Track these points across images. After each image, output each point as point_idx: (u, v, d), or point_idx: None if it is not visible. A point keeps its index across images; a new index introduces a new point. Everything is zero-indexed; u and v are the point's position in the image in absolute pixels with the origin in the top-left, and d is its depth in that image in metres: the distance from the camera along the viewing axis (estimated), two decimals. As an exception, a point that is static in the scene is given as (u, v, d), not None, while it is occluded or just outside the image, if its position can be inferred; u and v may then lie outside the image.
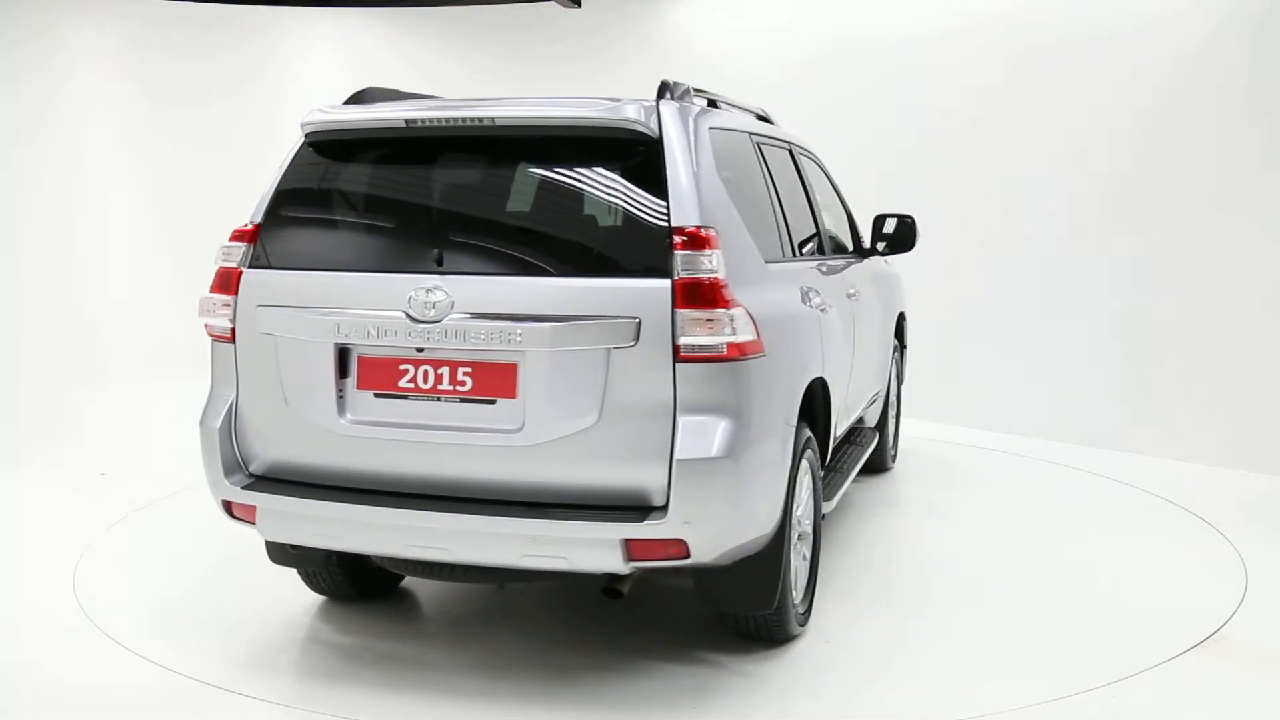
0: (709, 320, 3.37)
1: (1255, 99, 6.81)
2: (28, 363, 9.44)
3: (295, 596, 4.62)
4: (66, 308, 9.89)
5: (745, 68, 9.35)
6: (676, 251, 3.40)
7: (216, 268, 3.86)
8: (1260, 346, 6.81)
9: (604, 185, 3.65)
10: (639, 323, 3.37)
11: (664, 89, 3.78)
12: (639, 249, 3.49)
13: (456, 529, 3.51)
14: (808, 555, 4.26)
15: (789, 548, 3.88)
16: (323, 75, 10.37)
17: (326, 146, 3.93)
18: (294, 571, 4.43)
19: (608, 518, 3.40)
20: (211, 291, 3.86)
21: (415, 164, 3.88)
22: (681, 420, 3.39)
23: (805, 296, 4.26)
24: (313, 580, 4.47)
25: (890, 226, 5.74)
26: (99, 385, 9.30)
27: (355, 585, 4.47)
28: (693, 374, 3.38)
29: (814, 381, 4.20)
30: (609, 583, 3.75)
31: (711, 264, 3.40)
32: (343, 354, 3.65)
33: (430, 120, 3.71)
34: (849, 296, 5.09)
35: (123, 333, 9.89)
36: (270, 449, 3.81)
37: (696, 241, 3.41)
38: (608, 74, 10.10)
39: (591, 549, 3.42)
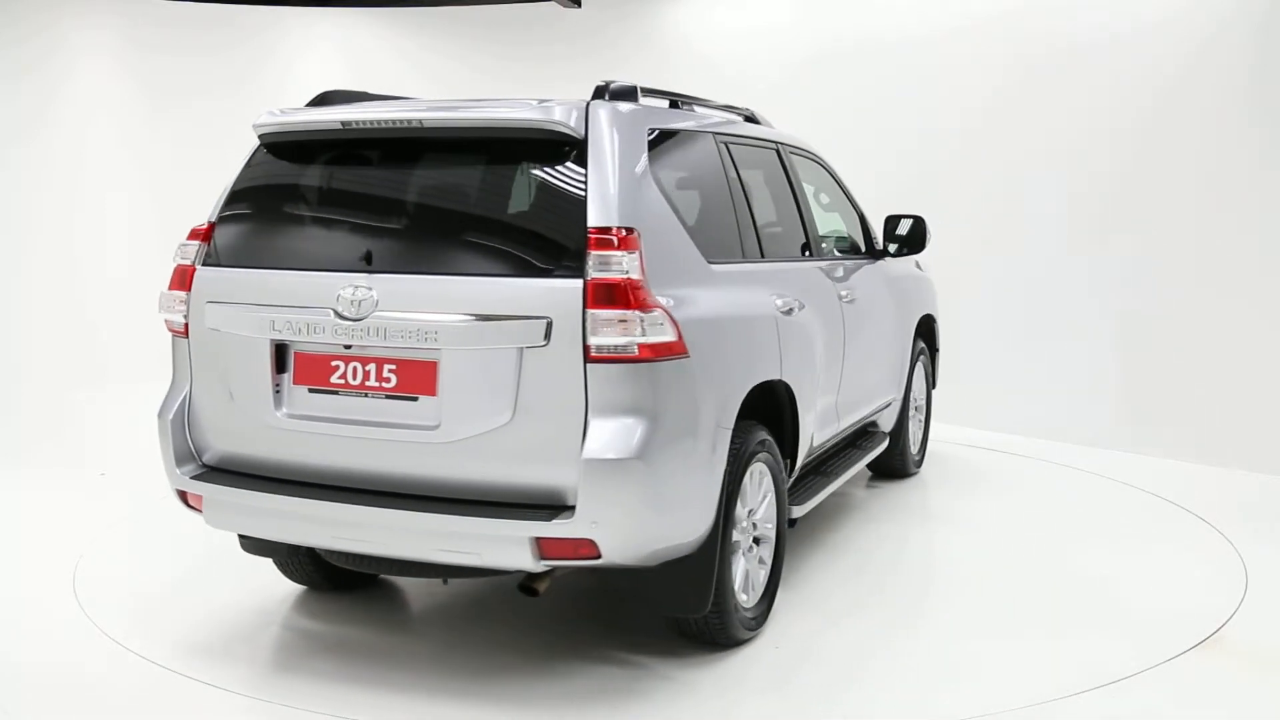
0: (621, 321, 3.37)
1: (1255, 100, 6.81)
2: (28, 363, 9.44)
3: (295, 596, 4.62)
4: (66, 308, 9.89)
5: (745, 68, 9.35)
6: (590, 252, 3.41)
7: (174, 265, 4.00)
8: (1260, 346, 6.81)
9: (527, 186, 3.71)
10: (550, 323, 3.40)
11: (600, 90, 3.81)
12: (555, 249, 3.51)
13: (377, 523, 3.58)
14: (768, 559, 4.25)
15: (727, 550, 3.85)
16: (323, 75, 10.35)
17: (277, 148, 4.05)
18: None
19: (518, 515, 3.44)
20: (169, 288, 4.02)
21: (352, 165, 3.98)
22: (593, 421, 3.40)
23: (768, 298, 4.24)
24: (287, 570, 4.56)
25: (904, 227, 5.73)
26: (99, 385, 9.29)
27: (326, 577, 4.54)
28: (604, 375, 3.39)
29: (775, 384, 4.21)
30: (525, 580, 3.82)
31: (624, 265, 3.40)
32: (280, 350, 3.76)
33: (364, 123, 3.79)
34: (843, 299, 5.05)
35: (123, 333, 9.89)
36: (220, 441, 3.94)
37: (610, 242, 3.41)
38: (608, 74, 10.02)
39: (503, 546, 3.46)
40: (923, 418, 6.70)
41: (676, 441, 3.52)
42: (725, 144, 4.49)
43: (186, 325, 3.97)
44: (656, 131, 3.92)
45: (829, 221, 5.72)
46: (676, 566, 3.69)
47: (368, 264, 3.65)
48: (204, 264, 3.95)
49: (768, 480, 4.19)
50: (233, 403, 3.85)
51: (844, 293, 5.08)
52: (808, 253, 5.00)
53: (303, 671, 3.96)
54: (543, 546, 3.43)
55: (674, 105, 4.40)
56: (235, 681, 3.84)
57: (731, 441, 3.83)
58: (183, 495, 3.99)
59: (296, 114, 3.99)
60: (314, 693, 3.76)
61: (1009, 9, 7.92)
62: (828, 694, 3.80)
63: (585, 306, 3.37)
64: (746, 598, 4.08)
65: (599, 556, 3.44)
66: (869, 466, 6.34)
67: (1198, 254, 7.07)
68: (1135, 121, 7.33)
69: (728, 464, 3.80)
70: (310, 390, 3.73)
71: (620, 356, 3.38)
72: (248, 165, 4.08)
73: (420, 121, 3.71)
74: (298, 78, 10.49)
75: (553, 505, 3.44)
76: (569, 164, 3.57)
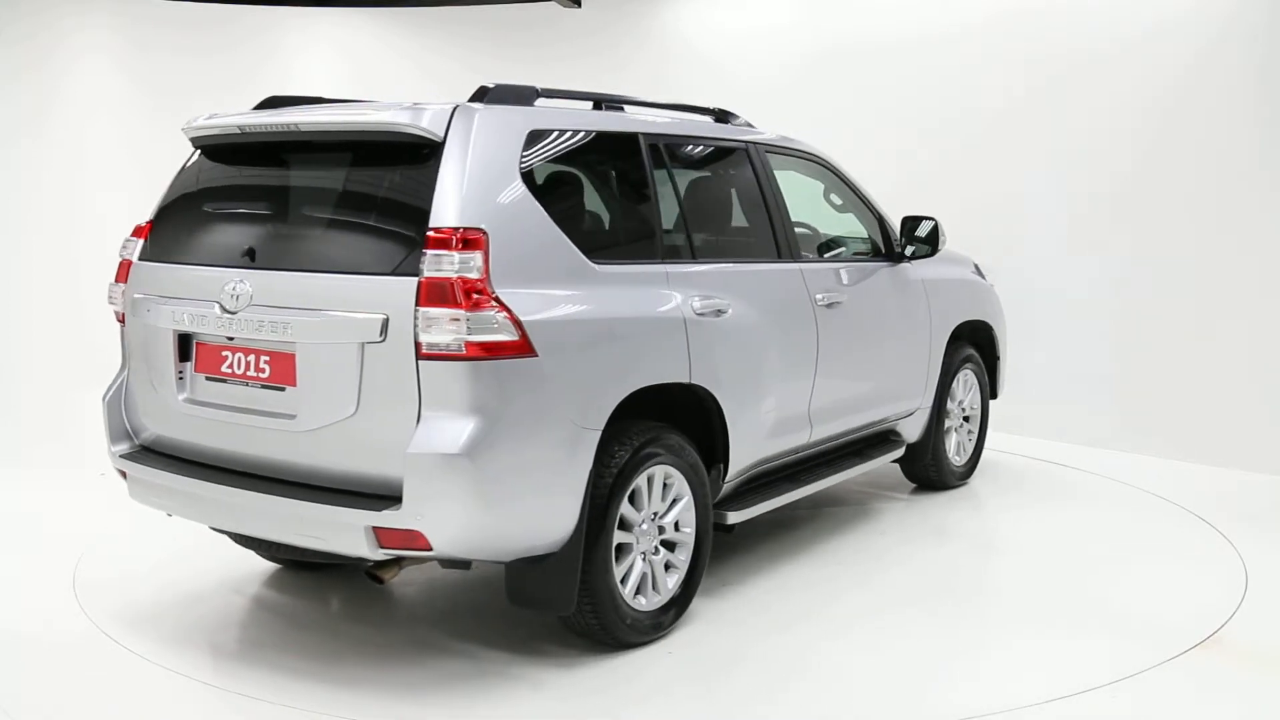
0: (452, 319, 3.45)
1: (1257, 100, 6.81)
2: (28, 363, 9.44)
3: (297, 596, 4.62)
4: (66, 308, 9.88)
5: (745, 68, 9.36)
6: (425, 251, 3.50)
7: (119, 259, 4.35)
8: (1260, 346, 6.81)
9: (385, 187, 3.83)
10: (386, 319, 3.52)
11: (481, 92, 3.93)
12: (400, 249, 3.61)
13: (247, 505, 3.81)
14: (682, 564, 4.25)
15: (602, 552, 3.86)
16: (323, 75, 10.36)
17: (205, 150, 4.32)
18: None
19: (355, 504, 3.57)
20: (114, 280, 4.37)
21: (249, 167, 4.23)
22: (424, 416, 3.50)
23: (680, 300, 4.18)
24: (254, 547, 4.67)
25: (925, 229, 5.58)
26: (99, 385, 9.26)
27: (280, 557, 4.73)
28: (434, 371, 3.48)
29: (692, 388, 4.20)
30: (371, 568, 4.02)
31: (458, 265, 3.47)
32: (185, 340, 4.06)
33: (255, 126, 4.02)
34: (820, 303, 4.93)
35: (123, 333, 9.88)
36: (149, 423, 4.28)
37: (446, 242, 3.49)
38: (608, 74, 10.08)
39: (344, 533, 3.60)
40: (974, 429, 6.46)
41: (518, 440, 3.58)
42: (652, 145, 4.43)
43: (123, 315, 4.32)
44: (540, 134, 3.94)
45: (845, 224, 5.63)
46: (540, 564, 3.77)
47: (250, 260, 3.88)
48: (140, 259, 4.27)
49: (680, 485, 4.19)
50: (153, 387, 4.16)
51: (822, 296, 4.96)
52: (781, 255, 4.89)
53: (304, 671, 3.96)
54: (380, 536, 3.55)
55: (598, 107, 4.48)
56: (236, 681, 3.84)
57: (615, 443, 3.88)
58: (121, 472, 4.29)
59: (210, 119, 4.19)
60: (315, 693, 3.77)
61: (1009, 10, 7.92)
62: (682, 703, 3.76)
63: (417, 304, 3.47)
64: (644, 601, 4.09)
65: (430, 549, 3.55)
66: (910, 477, 6.24)
67: (1198, 254, 7.08)
68: (1135, 123, 7.33)
69: (608, 465, 3.85)
70: (208, 378, 4.00)
71: (449, 354, 3.46)
72: (182, 167, 4.38)
73: (297, 125, 3.91)
74: (298, 78, 10.47)
75: (390, 496, 3.54)
76: (426, 166, 3.64)
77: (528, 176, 3.80)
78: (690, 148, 4.80)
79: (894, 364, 5.61)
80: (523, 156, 3.81)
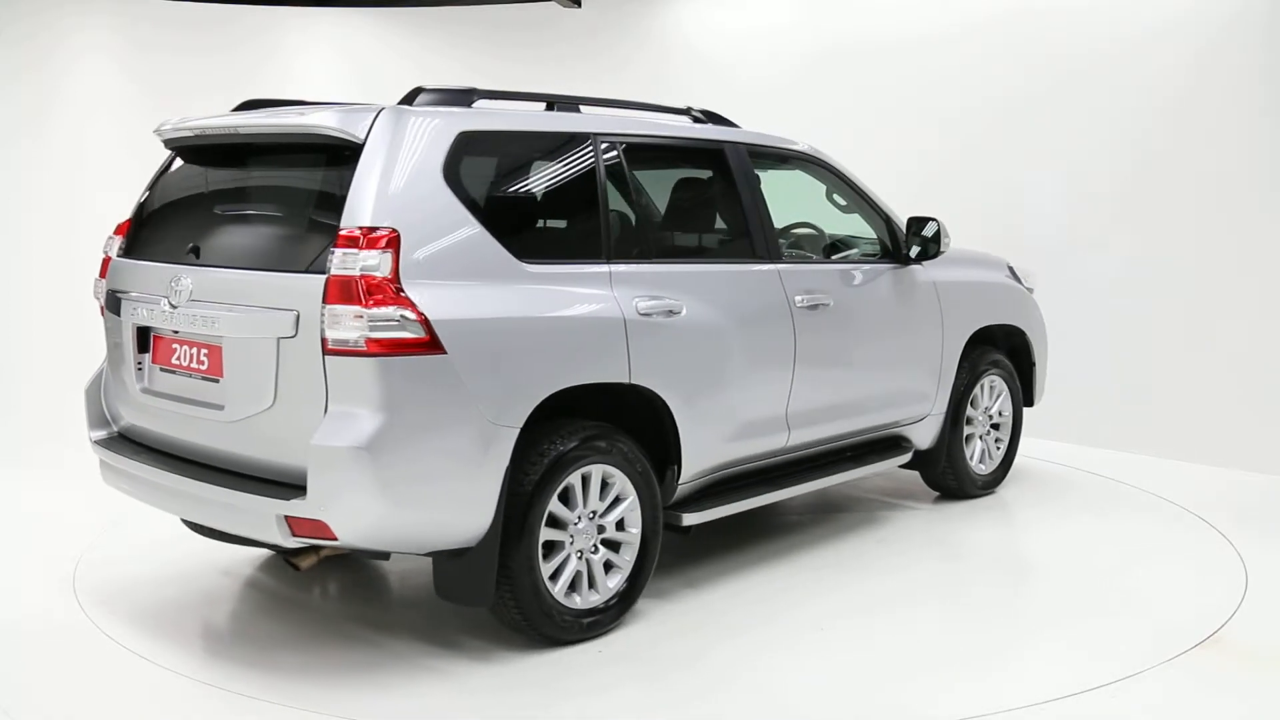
0: (355, 316, 3.54)
1: (1258, 101, 6.82)
2: (28, 363, 9.44)
3: (299, 597, 4.62)
4: (66, 308, 9.86)
5: (745, 68, 9.36)
6: (334, 249, 3.59)
7: (102, 255, 4.57)
8: (1260, 346, 6.81)
9: (310, 188, 4.03)
10: (298, 315, 3.64)
11: (412, 94, 4.03)
12: (314, 247, 3.74)
13: (185, 491, 3.97)
14: (625, 564, 4.25)
15: (526, 548, 3.89)
16: (323, 75, 10.36)
17: (178, 152, 4.52)
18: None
19: (266, 493, 3.70)
20: (98, 276, 4.58)
21: (209, 168, 4.44)
22: (330, 409, 3.60)
23: (622, 300, 4.19)
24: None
25: (929, 231, 5.44)
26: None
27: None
28: (339, 367, 3.58)
29: (640, 389, 4.21)
30: (287, 555, 4.16)
31: (362, 263, 3.56)
32: (144, 333, 4.26)
33: (204, 129, 4.22)
34: (799, 304, 4.86)
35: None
36: (121, 410, 4.48)
37: (354, 241, 3.58)
38: (608, 74, 10.09)
39: (259, 521, 3.73)
40: (1003, 437, 6.26)
41: (423, 436, 3.65)
42: (604, 145, 4.41)
43: (103, 308, 4.53)
44: (471, 135, 3.98)
45: (853, 225, 5.56)
46: (459, 558, 3.83)
47: (195, 257, 4.08)
48: (118, 255, 4.48)
49: (624, 484, 4.20)
50: (121, 378, 4.38)
51: (803, 298, 4.89)
52: (758, 255, 4.82)
53: (307, 672, 3.96)
54: (291, 525, 3.66)
55: (550, 108, 4.51)
56: (236, 681, 3.84)
57: (544, 441, 3.94)
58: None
59: (179, 122, 4.34)
60: (316, 694, 3.77)
61: (1009, 10, 7.92)
62: (589, 700, 3.76)
63: (324, 301, 3.58)
64: (579, 599, 4.12)
65: (335, 538, 3.64)
66: (930, 485, 6.09)
67: (1199, 254, 7.08)
68: (1134, 123, 7.34)
69: (533, 463, 3.90)
70: (161, 370, 4.20)
71: (352, 350, 3.56)
72: (161, 168, 4.57)
73: (236, 129, 4.08)
74: (298, 78, 10.49)
75: (300, 486, 3.63)
76: (348, 168, 3.72)
77: (453, 177, 3.86)
78: (650, 148, 4.76)
79: (897, 368, 5.49)
80: (448, 158, 3.86)
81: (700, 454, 4.51)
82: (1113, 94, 7.40)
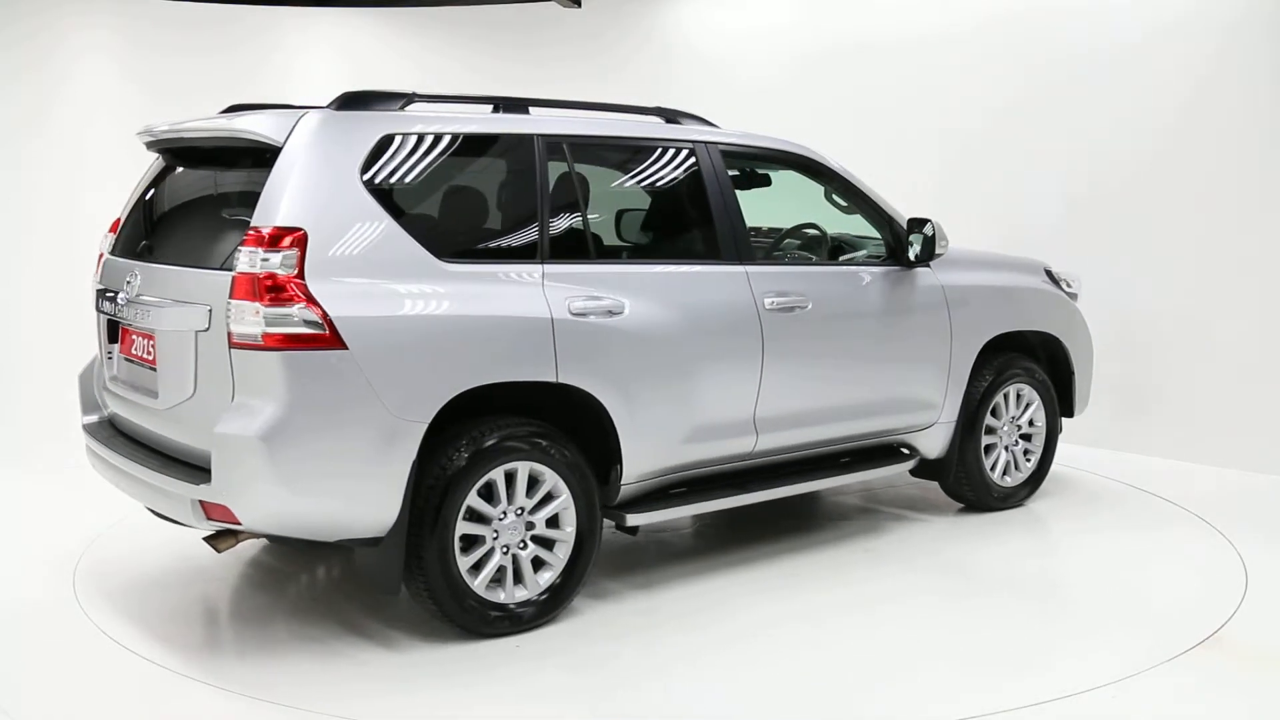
0: (255, 312, 3.72)
1: (1260, 101, 6.81)
2: (28, 363, 9.44)
3: (300, 596, 4.62)
4: (66, 308, 9.86)
5: (746, 68, 9.36)
6: (241, 248, 3.78)
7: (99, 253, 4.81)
8: (1261, 346, 6.81)
9: (237, 189, 4.22)
10: (210, 310, 3.86)
11: (341, 99, 4.16)
12: (229, 246, 3.95)
13: (130, 474, 4.21)
14: (557, 561, 4.28)
15: (439, 540, 3.98)
16: (323, 75, 10.36)
17: (159, 154, 4.71)
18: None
19: (183, 477, 3.91)
20: (95, 272, 4.79)
21: (172, 169, 4.63)
22: (235, 399, 3.79)
23: (550, 299, 4.21)
24: None
25: (928, 231, 5.26)
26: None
27: None
28: (243, 359, 3.77)
29: (574, 389, 4.24)
30: (207, 537, 4.29)
31: (265, 261, 3.73)
32: (113, 324, 4.50)
33: (158, 134, 4.48)
34: (769, 307, 4.77)
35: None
36: (105, 398, 4.70)
37: (260, 240, 3.76)
38: (608, 74, 10.10)
39: (180, 504, 3.94)
40: (1033, 448, 5.95)
41: (322, 428, 3.78)
42: (549, 146, 4.43)
43: (95, 302, 4.70)
44: (396, 138, 4.11)
45: (860, 227, 5.47)
46: (371, 547, 3.95)
47: (148, 254, 4.38)
48: (108, 252, 4.69)
49: (555, 482, 4.23)
50: (102, 368, 4.65)
51: (773, 300, 4.81)
52: (724, 256, 4.75)
53: (308, 672, 3.96)
54: (205, 509, 3.85)
55: (497, 109, 4.55)
56: (236, 682, 3.84)
57: (463, 437, 4.04)
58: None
59: (150, 127, 4.55)
60: (318, 693, 3.77)
61: (1010, 10, 7.91)
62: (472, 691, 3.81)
63: (230, 296, 3.76)
64: (503, 594, 4.18)
65: (239, 523, 3.82)
66: (950, 496, 5.83)
67: (1199, 254, 7.08)
68: (1134, 122, 7.32)
69: (450, 458, 4.00)
70: (125, 359, 4.43)
71: (252, 344, 3.73)
72: (149, 169, 4.75)
73: (181, 133, 4.33)
74: (298, 78, 10.49)
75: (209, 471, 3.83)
76: (266, 169, 3.89)
77: (373, 179, 4.00)
78: (600, 148, 4.74)
79: (893, 374, 5.32)
80: (368, 160, 4.01)
81: (646, 455, 4.49)
82: (1114, 94, 7.39)
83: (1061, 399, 6.11)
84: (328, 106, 4.12)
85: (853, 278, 5.26)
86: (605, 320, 4.33)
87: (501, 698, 3.78)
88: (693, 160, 4.86)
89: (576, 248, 4.48)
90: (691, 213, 4.91)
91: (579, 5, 10.35)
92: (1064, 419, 6.17)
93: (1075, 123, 7.59)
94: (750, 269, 4.83)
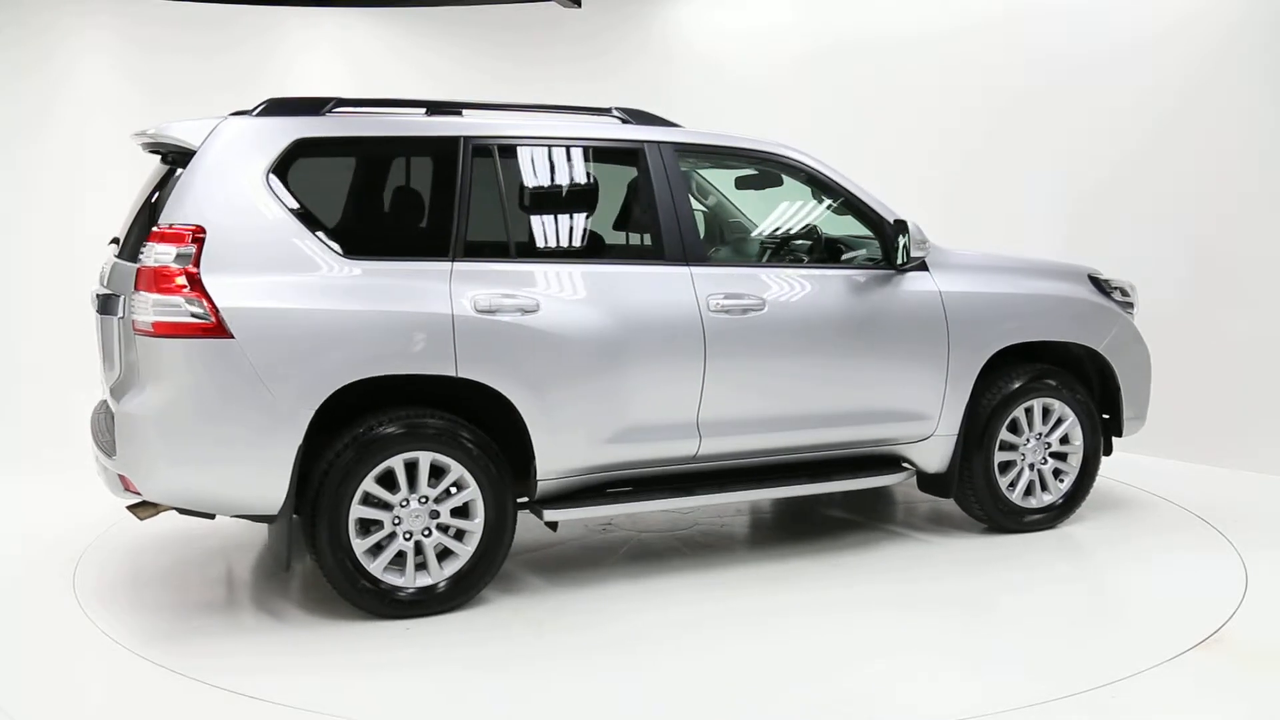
0: (148, 302, 4.05)
1: (1261, 102, 6.81)
2: (28, 363, 9.44)
3: (301, 596, 4.62)
4: (66, 308, 9.86)
5: (745, 68, 9.36)
6: (146, 243, 4.13)
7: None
8: (1261, 346, 6.81)
9: (165, 189, 4.39)
10: (123, 299, 4.22)
11: (263, 105, 4.41)
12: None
13: (98, 460, 4.46)
14: (464, 551, 4.39)
15: (332, 524, 4.19)
16: (323, 75, 10.36)
17: (160, 158, 4.84)
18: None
19: (109, 451, 4.22)
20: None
21: (151, 169, 4.82)
22: (138, 382, 4.13)
23: (455, 296, 4.30)
24: None
25: (905, 234, 5.02)
26: (99, 386, 9.27)
27: None
28: (142, 345, 4.10)
29: (476, 384, 4.34)
30: (130, 507, 4.42)
31: (161, 256, 4.06)
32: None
33: (137, 137, 4.65)
34: (714, 309, 4.68)
35: (123, 333, 9.86)
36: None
37: (159, 236, 4.09)
38: (608, 74, 10.10)
39: (110, 477, 4.28)
40: (1067, 470, 5.53)
41: (207, 411, 4.06)
42: (474, 148, 4.52)
43: None
44: (310, 142, 4.34)
45: (843, 229, 5.37)
46: (271, 525, 4.26)
47: (116, 249, 4.69)
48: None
49: (460, 475, 4.36)
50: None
51: (719, 302, 4.69)
52: (668, 257, 4.70)
53: (309, 672, 3.96)
54: (123, 481, 4.18)
55: (433, 112, 4.67)
56: (236, 682, 3.84)
57: (359, 425, 4.23)
58: None
59: (141, 130, 4.65)
60: (317, 693, 3.76)
61: (1010, 10, 7.92)
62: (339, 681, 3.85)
63: (133, 288, 4.11)
64: (402, 579, 4.34)
65: (140, 494, 4.16)
66: (970, 515, 5.51)
67: (1199, 253, 7.08)
68: (1134, 122, 7.33)
69: (347, 445, 4.20)
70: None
71: (147, 331, 4.06)
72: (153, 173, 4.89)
73: (139, 136, 4.60)
74: (298, 78, 10.49)
75: None
76: (184, 171, 4.24)
77: (282, 181, 4.26)
78: (532, 149, 4.73)
79: (871, 381, 5.05)
80: (278, 162, 4.26)
81: (563, 452, 4.52)
82: (1114, 94, 7.39)
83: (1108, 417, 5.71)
84: (250, 112, 4.39)
85: (823, 281, 5.03)
86: (516, 318, 4.39)
87: (349, 666, 3.96)
88: (638, 160, 4.82)
89: (494, 247, 4.54)
90: (634, 212, 4.91)
91: (579, 5, 10.35)
92: (1113, 438, 5.74)
93: (1078, 121, 7.59)
94: (696, 270, 4.75)
